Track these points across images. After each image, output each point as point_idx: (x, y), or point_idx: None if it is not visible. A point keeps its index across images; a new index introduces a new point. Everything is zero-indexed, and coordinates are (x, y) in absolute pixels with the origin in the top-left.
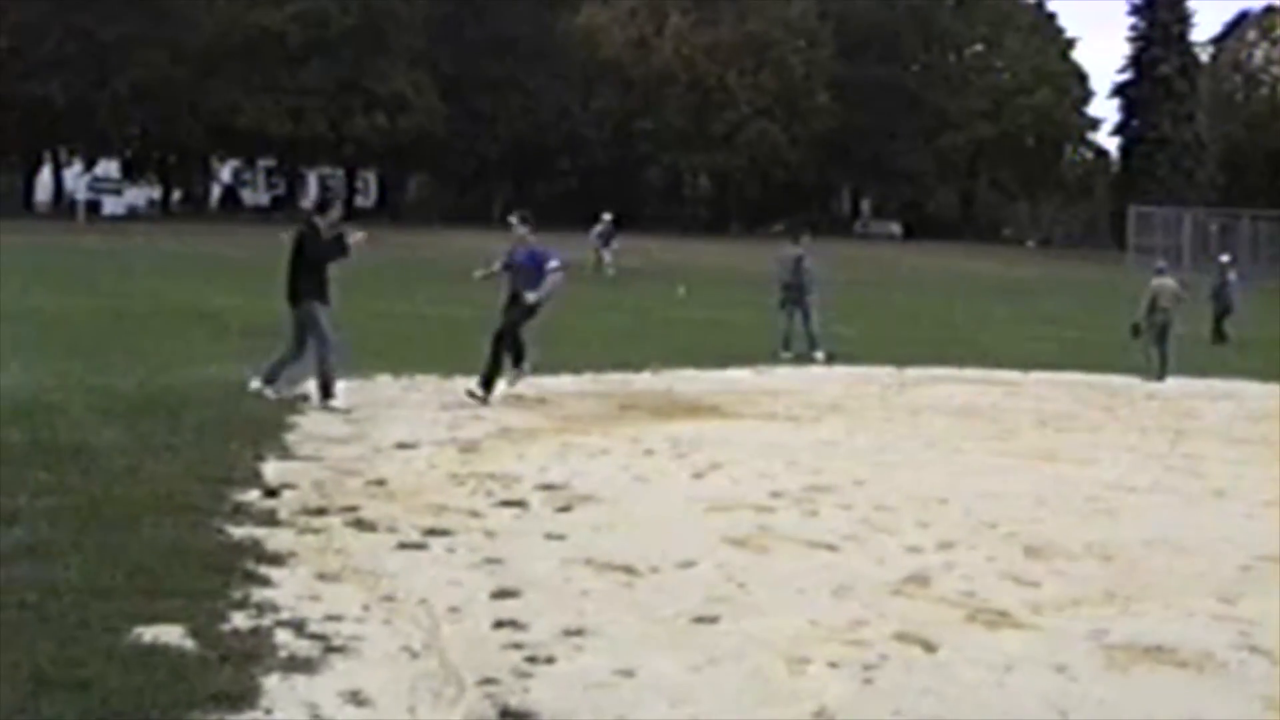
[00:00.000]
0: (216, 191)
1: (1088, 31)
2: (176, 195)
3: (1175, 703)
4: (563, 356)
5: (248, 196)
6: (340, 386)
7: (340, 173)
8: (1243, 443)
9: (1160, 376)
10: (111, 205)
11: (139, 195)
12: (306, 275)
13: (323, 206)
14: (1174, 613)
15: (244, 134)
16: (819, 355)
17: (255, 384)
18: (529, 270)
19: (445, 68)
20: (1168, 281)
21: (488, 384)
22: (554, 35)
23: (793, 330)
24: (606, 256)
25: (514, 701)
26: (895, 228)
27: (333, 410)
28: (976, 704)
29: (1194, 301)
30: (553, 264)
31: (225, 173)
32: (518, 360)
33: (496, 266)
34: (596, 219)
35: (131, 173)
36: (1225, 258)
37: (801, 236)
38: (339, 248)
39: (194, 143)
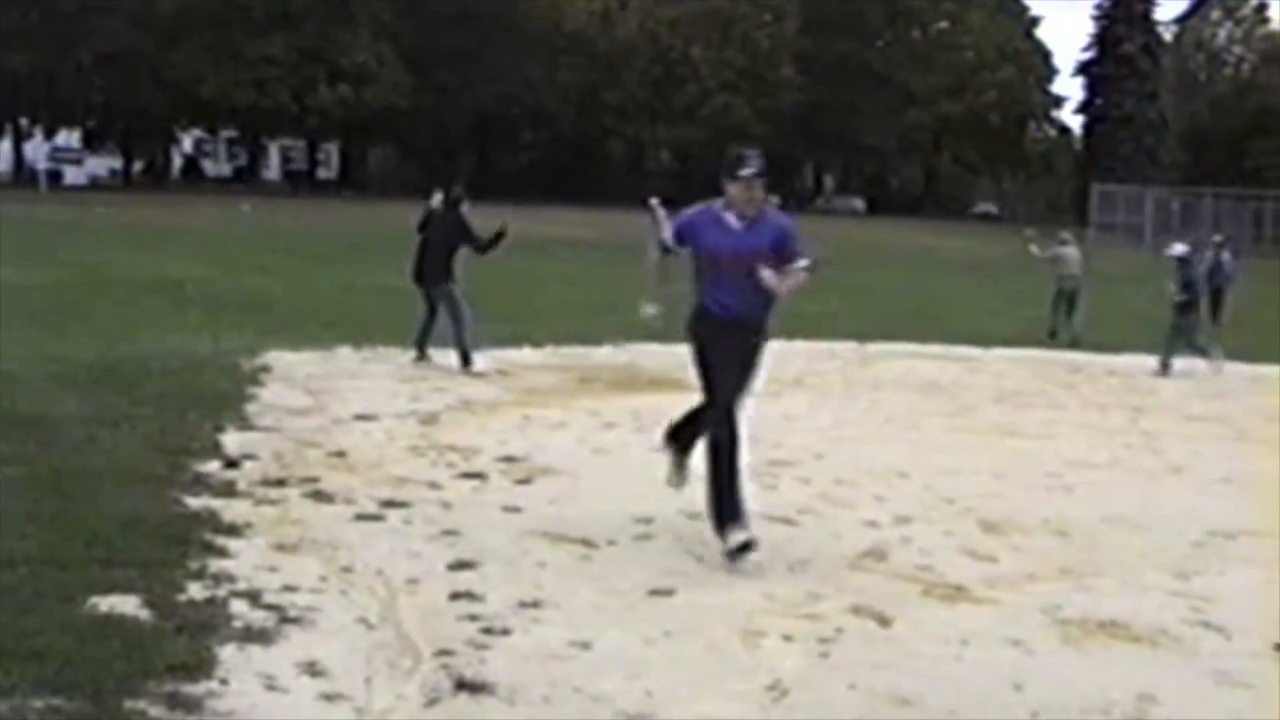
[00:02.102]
0: (178, 162)
1: (1052, 9)
2: (138, 165)
3: (1129, 677)
4: (524, 329)
5: (209, 167)
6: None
7: (303, 144)
8: (1200, 420)
9: (1072, 344)
10: (72, 175)
11: (100, 165)
12: (434, 259)
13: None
14: (1129, 588)
15: (207, 104)
16: None
17: (462, 367)
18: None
19: (409, 40)
20: (1072, 250)
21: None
22: (518, 7)
23: None
24: None
25: (470, 673)
26: (858, 203)
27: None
28: (932, 678)
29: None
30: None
31: (187, 143)
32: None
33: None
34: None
35: (93, 142)
36: (1218, 238)
37: None
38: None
39: (156, 112)
